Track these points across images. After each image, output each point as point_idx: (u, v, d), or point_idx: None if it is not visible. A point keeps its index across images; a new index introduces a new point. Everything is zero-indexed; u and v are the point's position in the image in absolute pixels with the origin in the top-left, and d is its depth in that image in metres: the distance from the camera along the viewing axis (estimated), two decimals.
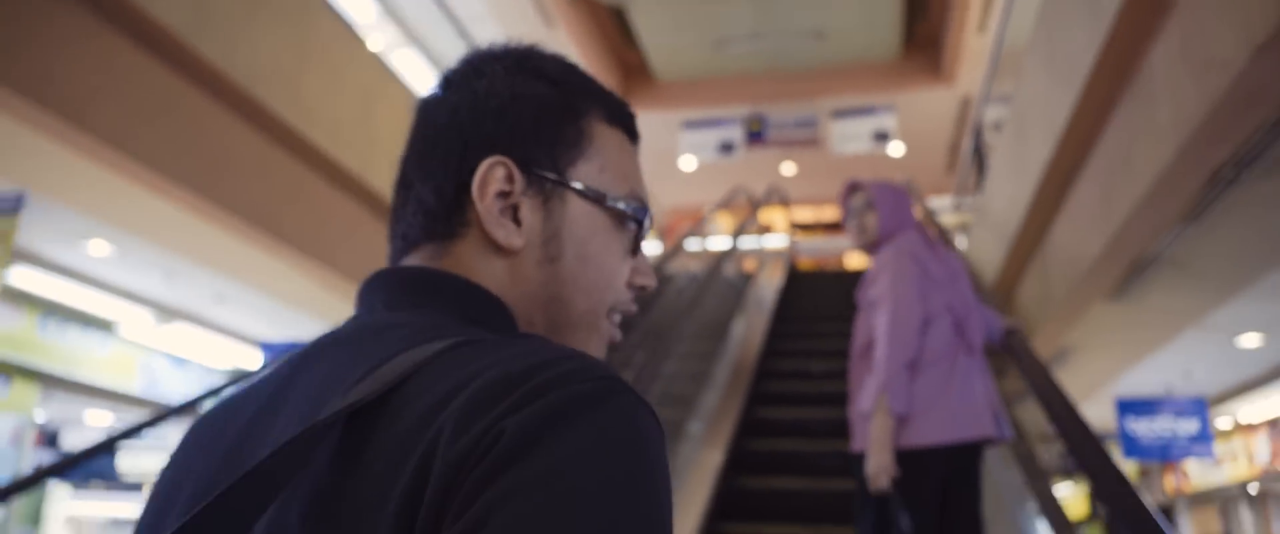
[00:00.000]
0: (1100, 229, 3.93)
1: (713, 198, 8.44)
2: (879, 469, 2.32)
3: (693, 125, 10.07)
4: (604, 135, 0.64)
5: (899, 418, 2.37)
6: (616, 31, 9.46)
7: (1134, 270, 4.28)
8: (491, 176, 0.59)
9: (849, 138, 9.67)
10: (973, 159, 7.88)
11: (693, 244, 6.69)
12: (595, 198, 0.62)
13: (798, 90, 9.65)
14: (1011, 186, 5.16)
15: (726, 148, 9.94)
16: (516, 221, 0.60)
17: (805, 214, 14.34)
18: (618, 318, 0.66)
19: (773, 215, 12.14)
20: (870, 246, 2.67)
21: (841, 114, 9.70)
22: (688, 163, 11.36)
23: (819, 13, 8.67)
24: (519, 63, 0.64)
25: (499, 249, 0.60)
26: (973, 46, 8.59)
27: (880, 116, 9.34)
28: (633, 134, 0.68)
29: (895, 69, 9.57)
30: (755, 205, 8.13)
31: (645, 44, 9.36)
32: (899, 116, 9.62)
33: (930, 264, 2.57)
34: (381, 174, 4.92)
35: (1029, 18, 5.85)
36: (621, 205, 0.62)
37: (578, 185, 0.61)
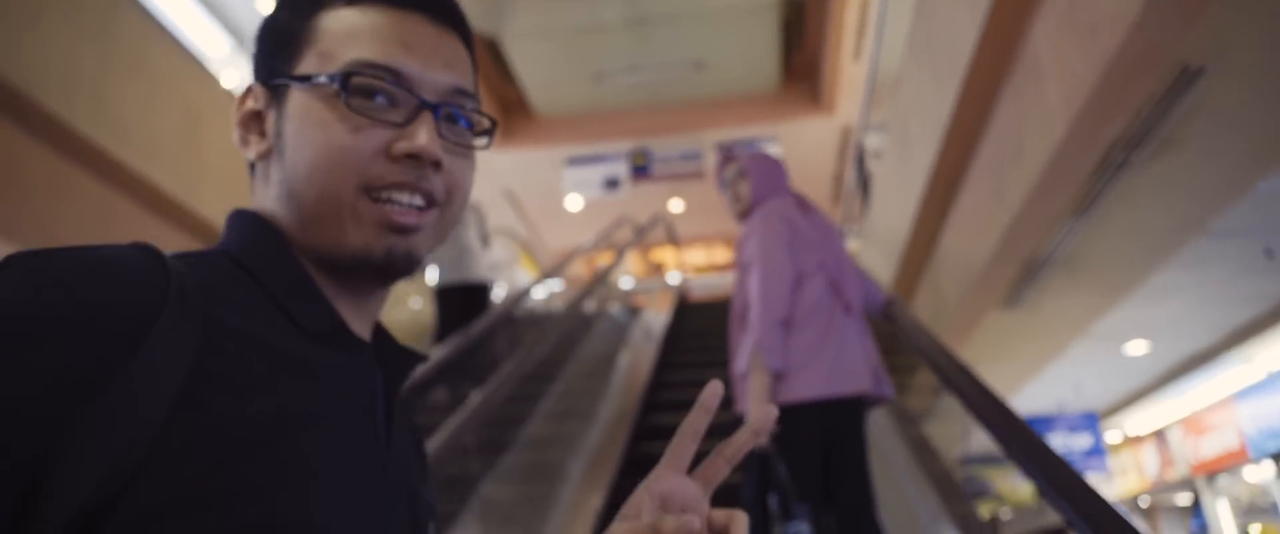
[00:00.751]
0: (991, 229, 3.76)
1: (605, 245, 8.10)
2: (758, 423, 2.16)
3: (577, 162, 9.76)
4: (334, 23, 0.64)
5: (775, 374, 2.37)
6: (493, 66, 9.10)
7: (1026, 273, 4.13)
8: (241, 103, 0.67)
9: None
10: (857, 187, 7.84)
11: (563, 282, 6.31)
12: (305, 82, 0.63)
13: (681, 123, 9.49)
14: (898, 197, 5.01)
15: (612, 183, 9.66)
16: (263, 134, 0.65)
17: (697, 256, 14.22)
18: (402, 197, 0.62)
19: (664, 255, 11.93)
20: (745, 215, 2.67)
21: (728, 147, 9.58)
22: (574, 202, 11.02)
23: (698, 44, 8.55)
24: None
25: (262, 163, 0.66)
26: (850, 74, 8.63)
27: (763, 147, 9.26)
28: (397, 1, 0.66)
29: (776, 99, 9.54)
30: (639, 231, 7.82)
31: (523, 79, 9.03)
32: (781, 147, 9.57)
33: (801, 224, 2.57)
34: (210, 201, 4.35)
35: (901, 42, 5.84)
36: (321, 78, 0.62)
37: (288, 79, 0.63)
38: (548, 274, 6.35)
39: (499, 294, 6.45)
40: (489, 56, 9.07)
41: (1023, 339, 5.31)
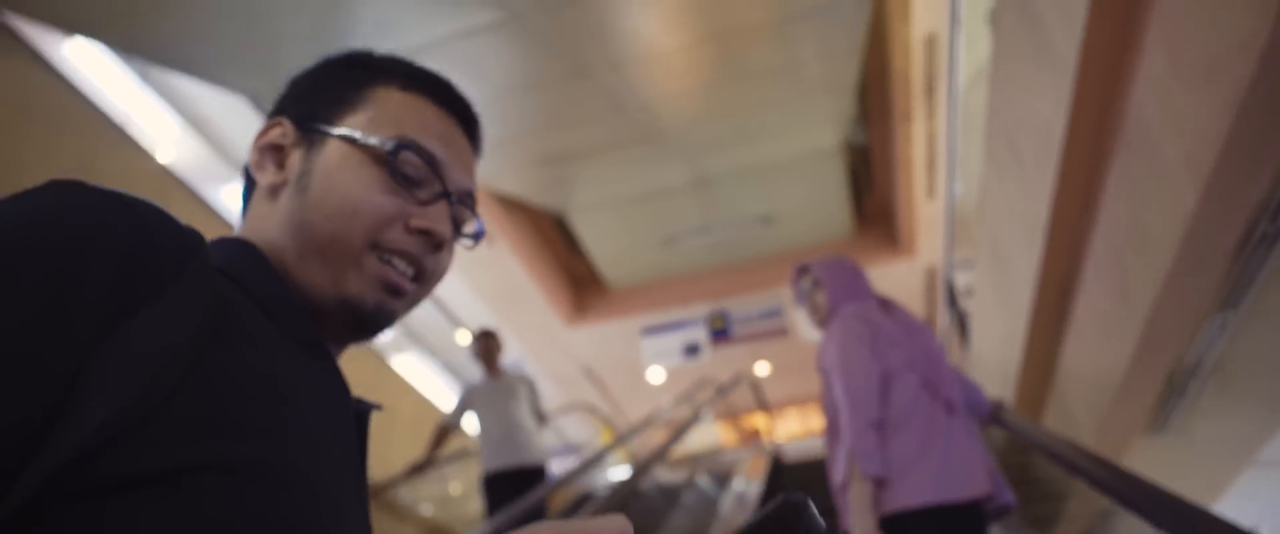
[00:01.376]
0: (1120, 337, 3.24)
1: (686, 407, 7.68)
2: None
3: (653, 331, 9.50)
4: (389, 98, 0.74)
5: (876, 482, 2.25)
6: (561, 241, 9.14)
7: (1171, 388, 3.53)
8: (265, 132, 0.73)
9: None
10: (954, 327, 7.31)
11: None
12: (349, 138, 0.70)
13: (757, 280, 9.22)
14: (1002, 324, 4.51)
15: (692, 350, 9.31)
16: (281, 166, 0.72)
17: (791, 422, 13.50)
18: (399, 263, 0.69)
19: (755, 421, 11.31)
20: (824, 324, 2.62)
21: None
22: (656, 373, 10.67)
23: (764, 199, 8.43)
24: (343, 56, 0.78)
25: (269, 192, 0.71)
26: (926, 214, 8.31)
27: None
28: (442, 99, 0.76)
29: (852, 246, 9.23)
30: (720, 389, 7.35)
31: (592, 251, 9.00)
32: None
33: (883, 323, 2.48)
34: None
35: (975, 172, 5.54)
36: (373, 140, 0.70)
37: (336, 131, 0.71)
38: (620, 440, 5.91)
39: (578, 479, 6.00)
40: (557, 232, 9.12)
41: (1179, 472, 4.55)
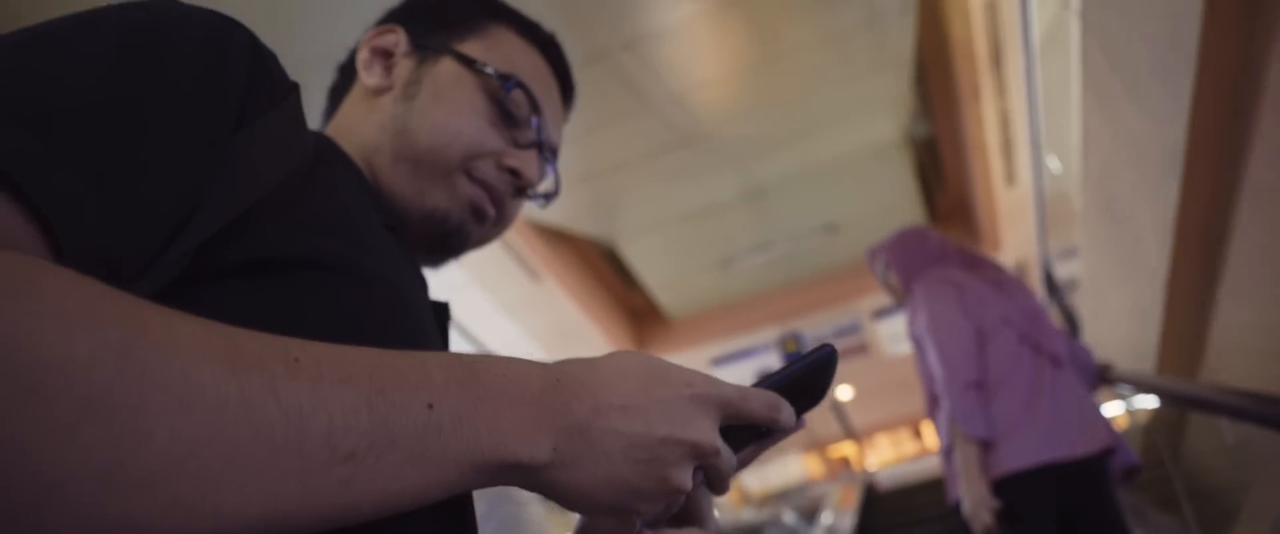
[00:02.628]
0: None
1: None
2: (975, 503, 2.14)
3: (722, 362, 8.85)
4: (506, 39, 0.77)
5: (982, 443, 2.19)
6: (614, 276, 8.61)
7: None
8: (376, 36, 0.76)
9: (900, 337, 8.34)
10: (1063, 325, 6.51)
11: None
12: (467, 61, 0.74)
13: (829, 295, 8.52)
14: (1128, 296, 3.79)
15: None
16: (388, 72, 0.75)
17: (885, 451, 12.58)
18: (481, 194, 0.73)
19: (845, 451, 10.49)
20: (906, 300, 2.56)
21: (884, 313, 8.47)
22: None
23: (826, 206, 7.78)
24: None
25: (369, 94, 0.74)
26: (1007, 203, 7.56)
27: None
28: (550, 56, 0.81)
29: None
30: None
31: (646, 281, 8.44)
32: None
33: (969, 282, 2.41)
34: None
35: (1063, 145, 4.85)
36: (489, 70, 0.73)
37: (454, 49, 0.75)
38: None
39: None
40: (608, 265, 8.60)
41: None
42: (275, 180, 0.50)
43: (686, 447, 0.48)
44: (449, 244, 0.74)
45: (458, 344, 8.72)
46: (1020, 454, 2.14)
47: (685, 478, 0.48)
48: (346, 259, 0.52)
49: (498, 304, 7.84)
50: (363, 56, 0.76)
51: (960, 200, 8.23)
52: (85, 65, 0.42)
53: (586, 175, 6.46)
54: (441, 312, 0.71)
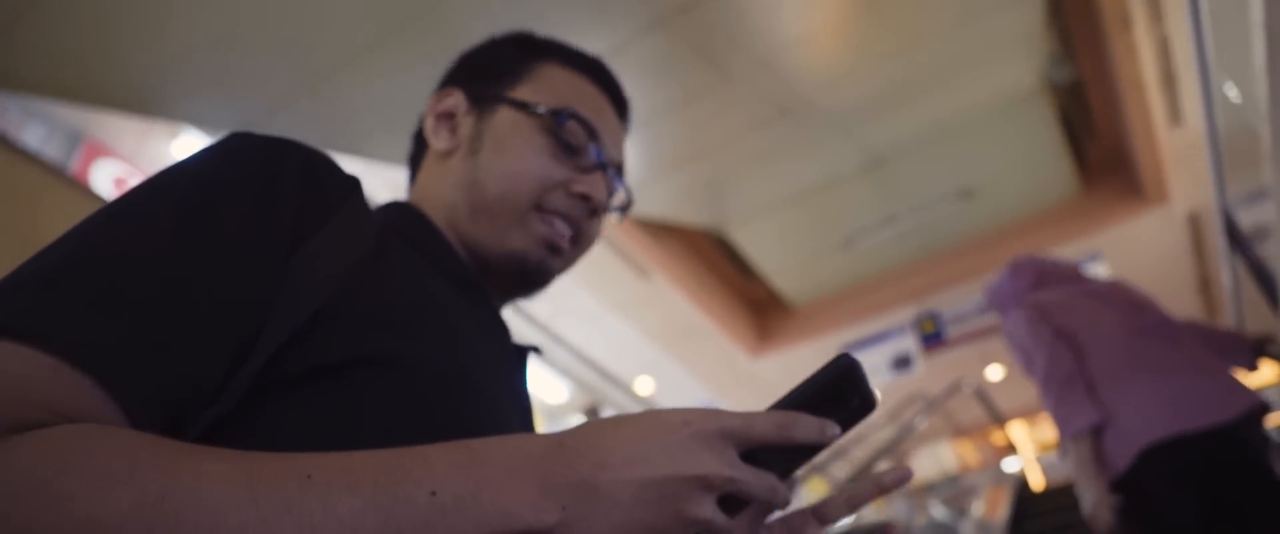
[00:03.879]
0: None
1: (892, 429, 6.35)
2: (1095, 504, 2.05)
3: (852, 348, 8.16)
4: (553, 73, 0.82)
5: (1093, 433, 2.07)
6: (728, 264, 8.09)
7: None
8: (439, 100, 0.83)
9: None
10: (1251, 283, 5.52)
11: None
12: (520, 105, 0.79)
13: (968, 268, 7.68)
14: None
15: (902, 363, 7.88)
16: (454, 132, 0.81)
17: (1045, 431, 11.47)
18: (559, 224, 0.78)
19: (1000, 436, 9.55)
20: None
21: None
22: None
23: (957, 169, 6.97)
24: (509, 36, 0.88)
25: (441, 157, 0.81)
26: (1172, 146, 6.54)
27: (1086, 270, 7.11)
28: (597, 79, 0.86)
29: (1082, 208, 7.49)
30: (931, 403, 5.96)
31: (764, 268, 7.87)
32: (1109, 263, 7.37)
33: (1045, 298, 2.39)
34: None
35: (1244, 72, 3.99)
36: (541, 109, 0.78)
37: (507, 97, 0.80)
38: (839, 486, 4.72)
39: None
40: (720, 254, 8.09)
41: None
42: (335, 287, 0.56)
43: (694, 481, 0.49)
44: (534, 280, 0.78)
45: (563, 360, 8.29)
46: (1131, 439, 1.99)
47: (703, 509, 0.50)
48: (402, 352, 0.56)
49: (607, 304, 7.50)
50: (429, 124, 0.82)
51: (1115, 149, 7.22)
52: (148, 239, 0.51)
53: (679, 160, 5.96)
54: (523, 354, 0.76)
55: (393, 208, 0.76)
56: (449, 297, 0.67)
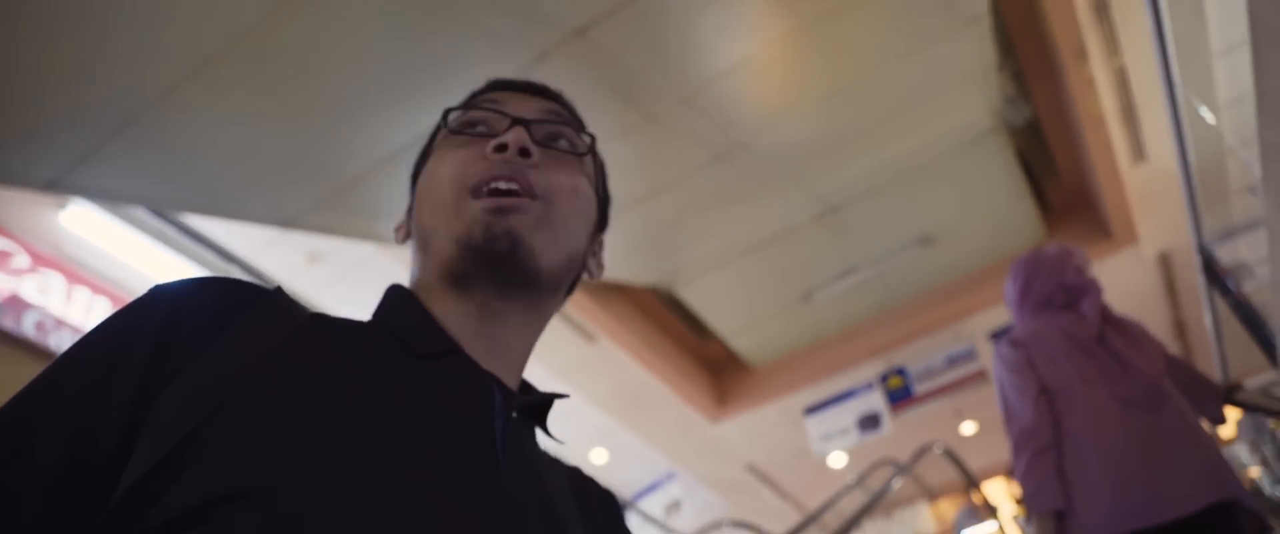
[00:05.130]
0: None
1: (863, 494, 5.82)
2: None
3: (817, 410, 7.67)
4: (449, 119, 0.81)
5: (1058, 516, 2.04)
6: (681, 325, 7.60)
7: None
8: (403, 225, 0.82)
9: None
10: (1243, 324, 5.12)
11: None
12: (426, 156, 0.82)
13: (934, 318, 7.26)
14: None
15: (870, 423, 7.39)
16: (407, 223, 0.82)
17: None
18: (488, 189, 0.72)
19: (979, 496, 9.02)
20: None
21: (1002, 333, 7.14)
22: (837, 458, 8.74)
23: (916, 215, 6.60)
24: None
25: (413, 250, 0.79)
26: (1138, 183, 6.22)
27: (1076, 259, 6.69)
28: (485, 90, 0.84)
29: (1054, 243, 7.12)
30: (900, 469, 5.46)
31: (717, 327, 7.39)
32: None
33: (1032, 339, 2.35)
34: None
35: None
36: (435, 128, 0.82)
37: (417, 168, 0.83)
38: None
39: None
40: (671, 313, 7.60)
41: None
42: (198, 418, 0.52)
43: None
44: (499, 254, 0.70)
45: None
46: (1110, 522, 1.94)
47: None
48: (274, 484, 0.50)
49: (551, 371, 6.96)
50: (398, 239, 0.82)
51: (1078, 189, 6.90)
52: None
53: (626, 208, 5.51)
54: (531, 414, 0.72)
55: (385, 293, 0.76)
56: (395, 381, 0.61)
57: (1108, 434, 2.07)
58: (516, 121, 0.75)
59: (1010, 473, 9.83)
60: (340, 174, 4.01)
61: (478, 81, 0.87)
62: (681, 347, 7.71)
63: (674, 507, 8.48)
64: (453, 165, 0.73)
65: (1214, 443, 2.13)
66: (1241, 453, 5.00)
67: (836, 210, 6.29)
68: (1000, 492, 9.28)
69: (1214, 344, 5.42)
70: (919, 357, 7.32)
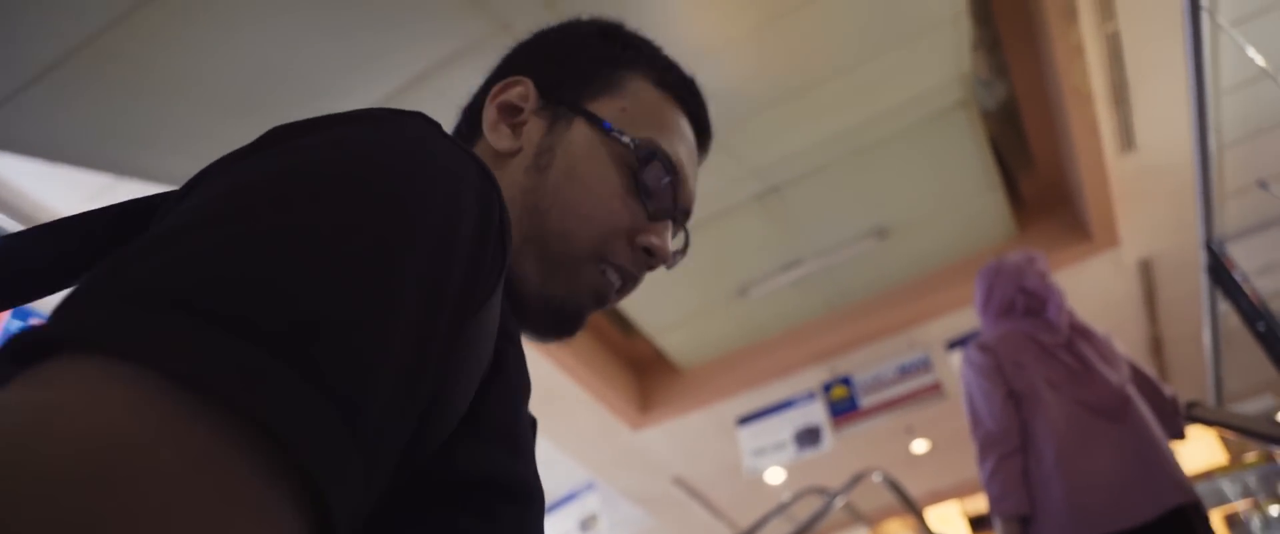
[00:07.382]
0: None
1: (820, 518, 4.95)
2: None
3: (750, 421, 6.78)
4: (642, 90, 0.72)
5: (1022, 521, 2.11)
6: (602, 317, 6.67)
7: None
8: (503, 91, 0.70)
9: None
10: (1254, 336, 4.32)
11: None
12: (601, 125, 0.68)
13: (886, 323, 6.40)
14: None
15: (809, 438, 6.51)
16: (517, 133, 0.69)
17: (982, 502, 10.24)
18: (612, 275, 0.68)
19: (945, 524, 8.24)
20: None
21: (961, 341, 6.31)
22: (775, 474, 7.88)
23: (870, 203, 5.73)
24: (597, 25, 0.75)
25: (497, 154, 0.68)
26: (1124, 177, 5.42)
27: (1038, 265, 5.88)
28: (688, 106, 0.75)
29: (1017, 250, 6.30)
30: (831, 499, 4.62)
31: (643, 323, 6.47)
32: None
33: (999, 347, 2.40)
34: None
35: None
36: (625, 139, 0.67)
37: (589, 112, 0.69)
38: None
39: None
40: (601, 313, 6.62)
41: None
42: (486, 371, 0.46)
43: None
44: (563, 329, 0.69)
45: None
46: (1067, 528, 1.98)
47: None
48: (521, 478, 0.47)
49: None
50: (490, 117, 0.71)
51: (1055, 183, 6.07)
52: (343, 269, 0.36)
53: None
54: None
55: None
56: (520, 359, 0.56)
57: (1070, 441, 2.11)
58: (677, 217, 0.71)
59: (962, 493, 9.05)
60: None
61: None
62: (603, 342, 6.77)
63: (590, 521, 7.56)
64: (611, 217, 0.66)
65: (1173, 453, 2.15)
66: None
67: (778, 190, 5.40)
68: (953, 516, 8.48)
69: (1211, 362, 4.61)
70: (867, 365, 6.46)
